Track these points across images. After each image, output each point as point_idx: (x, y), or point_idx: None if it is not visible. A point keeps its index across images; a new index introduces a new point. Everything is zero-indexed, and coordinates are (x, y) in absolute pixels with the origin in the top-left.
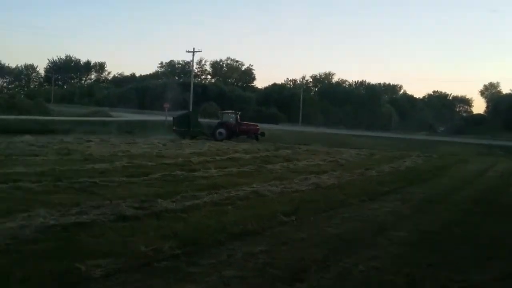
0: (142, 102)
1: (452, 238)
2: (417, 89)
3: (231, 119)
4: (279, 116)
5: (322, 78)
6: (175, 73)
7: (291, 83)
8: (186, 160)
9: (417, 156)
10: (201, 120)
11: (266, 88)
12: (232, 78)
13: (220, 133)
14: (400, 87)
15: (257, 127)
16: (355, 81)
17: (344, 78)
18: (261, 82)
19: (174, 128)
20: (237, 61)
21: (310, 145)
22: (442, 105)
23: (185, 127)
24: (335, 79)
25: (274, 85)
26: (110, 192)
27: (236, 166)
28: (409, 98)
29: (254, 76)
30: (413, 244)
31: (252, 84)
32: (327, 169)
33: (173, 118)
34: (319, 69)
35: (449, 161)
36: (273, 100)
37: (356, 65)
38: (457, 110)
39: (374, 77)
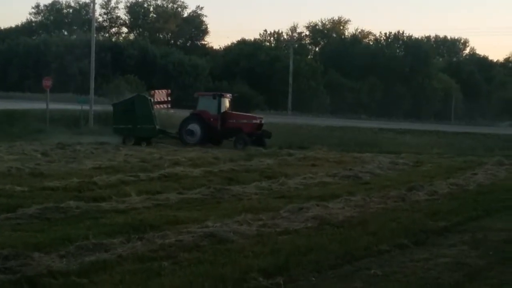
0: (4, 77)
1: None
2: (495, 46)
3: (211, 107)
4: (252, 99)
5: (328, 30)
6: (62, 25)
7: (271, 39)
8: (86, 180)
9: (496, 164)
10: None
11: (227, 50)
12: (165, 33)
13: (191, 133)
14: (465, 43)
15: (257, 121)
16: (386, 34)
17: (367, 29)
18: (218, 39)
19: (113, 123)
20: (174, 1)
21: (309, 148)
22: None
23: (127, 123)
24: (350, 30)
25: (242, 43)
26: None
27: (177, 189)
28: (482, 63)
29: (207, 29)
30: None
31: (204, 43)
32: (340, 192)
33: (113, 106)
34: (321, 14)
35: None
36: (241, 70)
37: (387, 5)
38: None
39: (418, 27)
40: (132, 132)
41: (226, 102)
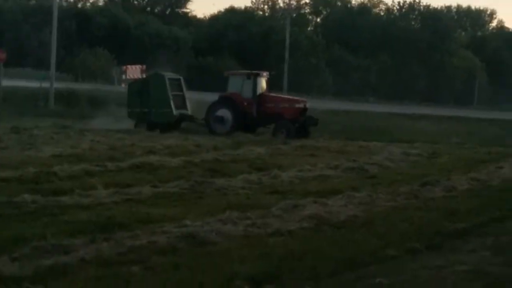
0: None
1: None
2: None
3: (245, 89)
4: None
5: None
6: None
7: (265, 7)
8: (45, 170)
9: None
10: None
11: (213, 19)
12: None
13: (221, 119)
14: (492, 14)
15: (301, 105)
16: (399, 3)
17: None
18: (203, 6)
19: (128, 106)
20: None
21: (309, 136)
22: None
23: (141, 107)
24: None
25: (231, 12)
26: None
27: (151, 182)
28: (510, 37)
29: None
30: None
31: (185, 11)
32: (342, 186)
33: (128, 86)
34: None
35: None
36: (229, 43)
37: None
38: None
39: None
40: (147, 117)
41: (263, 83)
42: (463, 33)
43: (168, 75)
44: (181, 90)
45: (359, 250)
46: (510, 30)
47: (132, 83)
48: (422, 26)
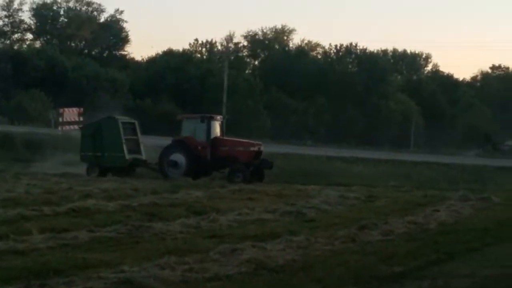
0: None
1: None
2: (461, 62)
3: (199, 133)
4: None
5: (270, 40)
6: None
7: (203, 50)
8: None
9: (460, 200)
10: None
11: (151, 62)
12: (78, 41)
13: (174, 164)
14: (427, 58)
15: (255, 149)
16: (336, 46)
17: (315, 40)
18: (141, 48)
19: (81, 150)
20: (89, 4)
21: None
22: (509, 95)
23: (94, 151)
24: (295, 41)
25: (169, 54)
26: None
27: (88, 226)
28: (446, 82)
29: (127, 37)
30: None
31: (123, 53)
32: (280, 230)
33: (81, 129)
34: (262, 21)
35: None
36: (167, 86)
37: (338, 12)
38: None
39: (373, 39)
40: (100, 161)
41: (217, 126)
42: (399, 76)
43: (122, 119)
44: (135, 134)
45: None
46: (445, 73)
47: (86, 126)
48: (358, 69)
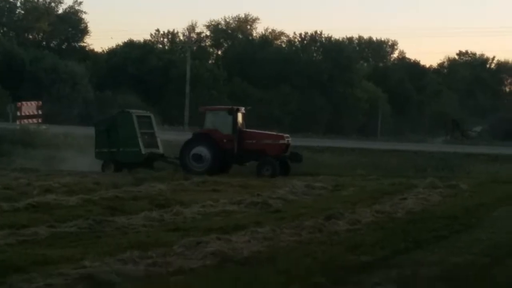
0: None
1: None
2: (428, 49)
3: (224, 125)
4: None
5: (233, 30)
6: None
7: (165, 41)
8: None
9: (428, 187)
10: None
11: (111, 53)
12: (36, 33)
13: (198, 158)
14: (393, 45)
15: (285, 141)
16: (301, 35)
17: (279, 28)
18: (101, 40)
19: (95, 147)
20: None
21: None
22: (476, 81)
23: (109, 147)
24: (259, 30)
25: (130, 45)
26: None
27: (48, 222)
28: (413, 69)
29: (87, 28)
30: None
31: (83, 45)
32: (245, 222)
33: (95, 125)
34: (225, 11)
35: (490, 196)
36: (128, 77)
37: (302, 0)
38: (508, 90)
39: (338, 27)
40: (116, 157)
41: (240, 118)
42: (365, 64)
43: (137, 112)
44: (152, 128)
45: (263, 287)
46: (412, 60)
47: (99, 122)
48: (324, 57)
